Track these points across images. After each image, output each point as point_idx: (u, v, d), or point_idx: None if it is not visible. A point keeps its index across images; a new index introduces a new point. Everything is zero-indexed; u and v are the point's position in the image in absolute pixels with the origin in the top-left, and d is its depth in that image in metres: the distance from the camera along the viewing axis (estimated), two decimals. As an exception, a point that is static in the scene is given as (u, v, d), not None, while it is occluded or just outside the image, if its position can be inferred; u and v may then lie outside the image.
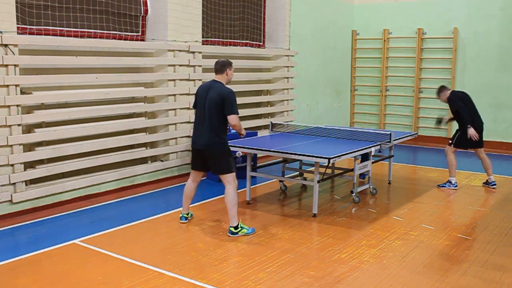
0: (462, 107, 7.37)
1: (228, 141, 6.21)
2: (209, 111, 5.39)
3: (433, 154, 10.77)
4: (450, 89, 7.74)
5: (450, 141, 7.71)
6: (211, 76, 8.22)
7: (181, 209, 6.08)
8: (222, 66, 5.53)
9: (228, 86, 5.55)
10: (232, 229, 5.46)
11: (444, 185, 7.72)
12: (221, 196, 6.96)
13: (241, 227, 5.50)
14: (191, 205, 6.45)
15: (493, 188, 7.70)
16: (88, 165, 6.82)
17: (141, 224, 5.89)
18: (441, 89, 7.68)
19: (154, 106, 7.72)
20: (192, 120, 8.09)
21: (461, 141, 7.57)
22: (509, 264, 4.84)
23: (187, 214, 5.97)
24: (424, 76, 11.89)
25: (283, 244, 5.26)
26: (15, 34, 5.97)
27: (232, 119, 5.36)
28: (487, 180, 7.83)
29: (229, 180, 5.46)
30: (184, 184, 5.97)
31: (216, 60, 5.69)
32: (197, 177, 5.80)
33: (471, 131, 7.31)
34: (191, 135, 7.93)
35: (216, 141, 5.42)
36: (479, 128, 7.53)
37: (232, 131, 7.34)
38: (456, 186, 7.68)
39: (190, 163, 8.05)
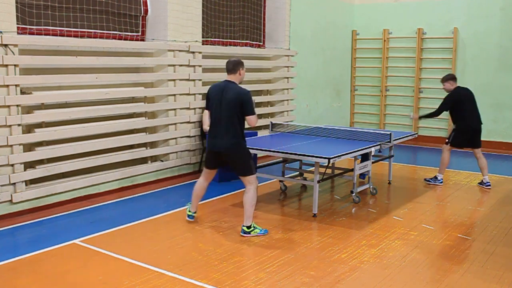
0: (443, 106, 7.70)
1: None
2: (227, 112, 5.30)
3: (433, 154, 10.74)
4: (457, 84, 7.79)
5: (447, 140, 7.82)
6: (211, 76, 8.38)
7: (185, 207, 6.10)
8: (234, 65, 5.42)
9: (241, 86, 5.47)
10: (245, 228, 5.44)
11: (430, 180, 7.92)
12: (221, 196, 6.98)
13: (253, 227, 5.49)
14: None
15: (488, 188, 7.67)
16: (88, 165, 6.82)
17: (141, 224, 5.89)
18: (451, 79, 7.76)
19: (154, 106, 7.71)
20: (192, 120, 8.16)
21: (457, 140, 7.69)
22: (509, 264, 4.84)
23: (195, 213, 5.91)
24: (424, 76, 11.89)
25: (283, 244, 5.26)
26: (15, 34, 5.97)
27: (251, 119, 5.35)
28: (482, 180, 7.82)
29: (251, 181, 5.44)
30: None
31: (227, 59, 5.54)
32: (210, 176, 5.74)
33: (415, 116, 8.47)
34: (191, 135, 8.13)
35: (235, 144, 5.36)
36: (475, 128, 7.67)
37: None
38: (441, 182, 7.85)
39: (192, 163, 8.17)
